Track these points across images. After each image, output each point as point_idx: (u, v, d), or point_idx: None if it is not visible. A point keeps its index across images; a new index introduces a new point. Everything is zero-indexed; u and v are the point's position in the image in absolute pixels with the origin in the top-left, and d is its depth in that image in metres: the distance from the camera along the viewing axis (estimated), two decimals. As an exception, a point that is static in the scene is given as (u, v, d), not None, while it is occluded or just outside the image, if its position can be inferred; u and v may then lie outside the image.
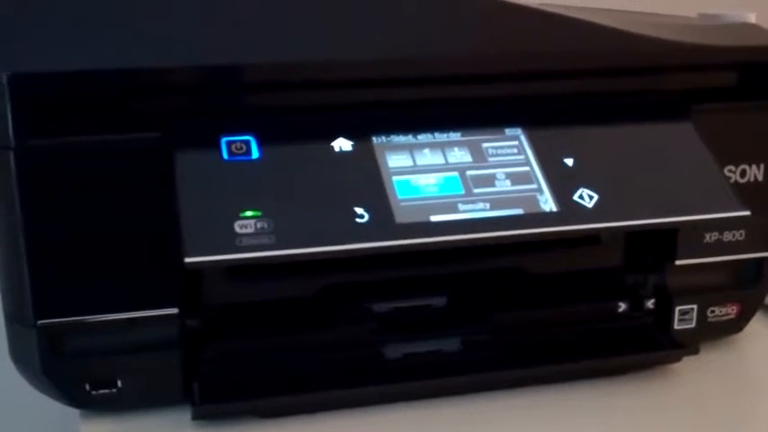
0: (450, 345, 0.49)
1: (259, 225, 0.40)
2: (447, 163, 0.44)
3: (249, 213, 0.40)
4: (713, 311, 0.52)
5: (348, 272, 0.48)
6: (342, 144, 0.43)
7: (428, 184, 0.43)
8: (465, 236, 0.42)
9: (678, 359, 0.50)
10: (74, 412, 0.46)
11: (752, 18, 0.55)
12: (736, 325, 0.53)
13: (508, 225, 0.42)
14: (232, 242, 0.39)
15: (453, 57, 0.45)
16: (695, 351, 0.50)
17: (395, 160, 0.44)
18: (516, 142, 0.45)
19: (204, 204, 0.40)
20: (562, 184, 0.44)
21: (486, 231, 0.42)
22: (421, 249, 0.42)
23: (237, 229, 0.40)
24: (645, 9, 0.62)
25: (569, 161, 0.45)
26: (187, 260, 0.38)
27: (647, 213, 0.44)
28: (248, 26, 0.44)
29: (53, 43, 0.41)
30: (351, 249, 0.40)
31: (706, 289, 0.51)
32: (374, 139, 0.44)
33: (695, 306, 0.51)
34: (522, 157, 0.45)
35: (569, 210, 0.43)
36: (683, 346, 0.50)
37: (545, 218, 0.43)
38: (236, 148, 0.42)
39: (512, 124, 0.46)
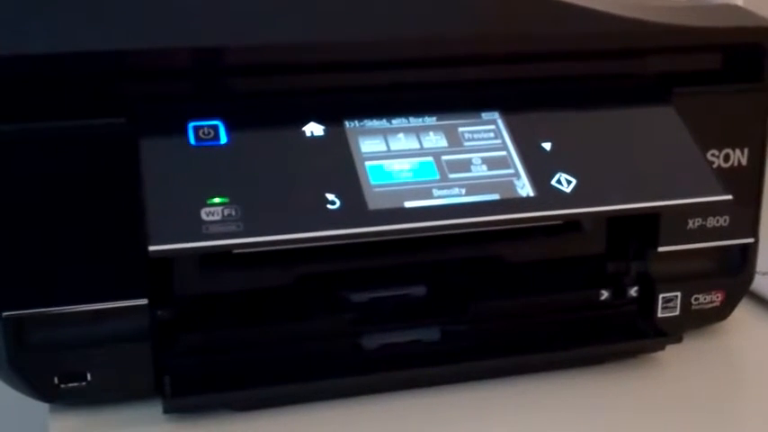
0: (430, 334, 0.48)
1: (226, 212, 0.39)
2: (422, 148, 0.43)
3: (216, 200, 0.39)
4: (697, 299, 0.51)
5: (324, 261, 0.47)
6: (313, 129, 0.42)
7: (402, 169, 0.42)
8: (439, 222, 0.41)
9: (662, 347, 0.50)
10: (43, 406, 0.45)
11: (739, 0, 0.55)
12: (721, 312, 0.52)
13: (484, 210, 0.42)
14: (198, 230, 0.38)
15: (429, 39, 0.45)
16: (679, 339, 0.49)
17: (368, 145, 0.43)
18: (493, 126, 0.44)
19: (170, 191, 0.39)
20: (540, 169, 0.43)
21: (462, 217, 0.41)
22: (394, 236, 0.41)
23: (204, 217, 0.39)
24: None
25: (547, 145, 0.44)
26: (151, 248, 0.37)
27: (626, 198, 0.43)
28: (217, 8, 0.43)
29: (11, 26, 0.40)
30: (321, 236, 0.39)
31: (690, 276, 0.50)
32: (347, 123, 0.43)
33: (679, 293, 0.50)
34: (498, 141, 0.44)
35: (547, 195, 0.42)
36: (667, 334, 0.50)
37: (522, 203, 0.42)
38: (204, 134, 0.41)
39: (488, 108, 0.45)
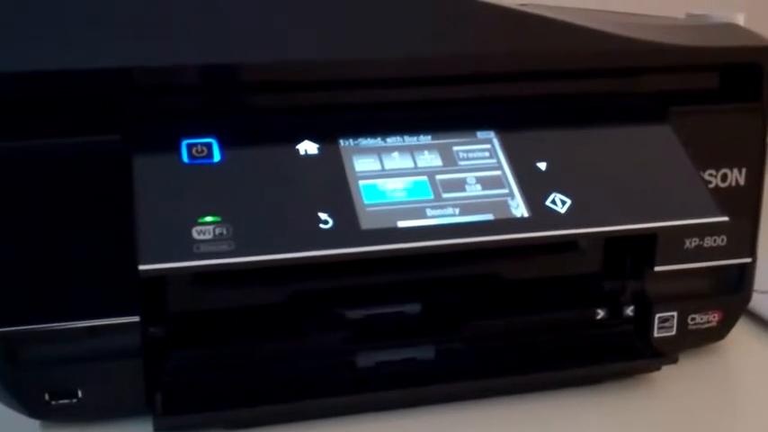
0: (425, 353, 0.48)
1: (218, 231, 0.39)
2: (416, 167, 0.43)
3: (208, 219, 0.39)
4: (694, 319, 0.50)
5: (319, 279, 0.47)
6: (307, 147, 0.42)
7: (396, 188, 0.42)
8: (432, 242, 0.41)
9: (658, 368, 0.49)
10: (34, 423, 0.45)
11: (740, 19, 0.54)
12: (718, 333, 0.52)
13: (477, 231, 0.41)
14: (189, 249, 0.38)
15: (424, 58, 0.44)
16: (675, 360, 0.49)
17: (362, 164, 0.42)
18: (488, 146, 0.44)
19: (162, 209, 0.39)
20: (534, 189, 0.43)
21: (455, 238, 0.41)
22: (386, 256, 0.41)
23: (195, 236, 0.38)
24: (634, 10, 0.61)
25: (542, 165, 0.44)
26: (142, 267, 0.37)
27: (621, 219, 0.43)
28: (211, 26, 0.43)
29: (6, 43, 0.40)
30: (313, 256, 0.39)
31: (686, 296, 0.50)
32: (341, 142, 0.43)
33: (675, 313, 0.50)
34: (493, 160, 0.44)
35: (541, 215, 0.42)
36: (663, 354, 0.49)
37: (515, 223, 0.42)
38: (197, 152, 0.41)
39: (484, 127, 0.45)
